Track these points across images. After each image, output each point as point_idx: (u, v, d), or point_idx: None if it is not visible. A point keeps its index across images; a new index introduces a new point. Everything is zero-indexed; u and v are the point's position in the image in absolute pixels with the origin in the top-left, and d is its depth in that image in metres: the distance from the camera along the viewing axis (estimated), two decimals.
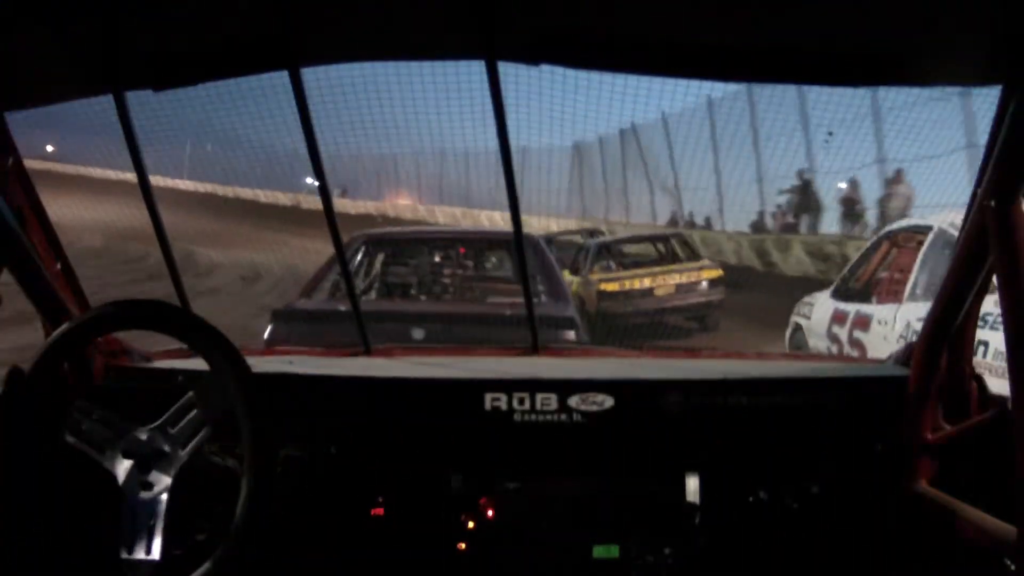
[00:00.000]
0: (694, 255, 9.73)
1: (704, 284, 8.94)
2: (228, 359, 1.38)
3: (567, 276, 9.14)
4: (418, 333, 3.51)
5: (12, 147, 1.45)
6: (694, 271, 9.06)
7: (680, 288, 8.86)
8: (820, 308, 5.68)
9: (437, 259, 4.92)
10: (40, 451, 1.36)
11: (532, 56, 1.35)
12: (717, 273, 9.12)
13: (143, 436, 1.37)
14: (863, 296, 5.19)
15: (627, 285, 8.83)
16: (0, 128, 1.42)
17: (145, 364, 1.71)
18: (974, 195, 1.31)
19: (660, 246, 10.19)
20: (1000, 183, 1.20)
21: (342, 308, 3.73)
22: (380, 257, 4.85)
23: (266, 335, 3.61)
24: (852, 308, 5.13)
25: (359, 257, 4.54)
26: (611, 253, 9.95)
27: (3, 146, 1.44)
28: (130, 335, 1.63)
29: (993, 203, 1.20)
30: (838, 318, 5.26)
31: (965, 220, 1.39)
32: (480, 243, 5.22)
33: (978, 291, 1.42)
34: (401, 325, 3.57)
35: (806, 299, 6.10)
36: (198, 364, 1.48)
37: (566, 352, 2.03)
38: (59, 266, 1.57)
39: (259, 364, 1.52)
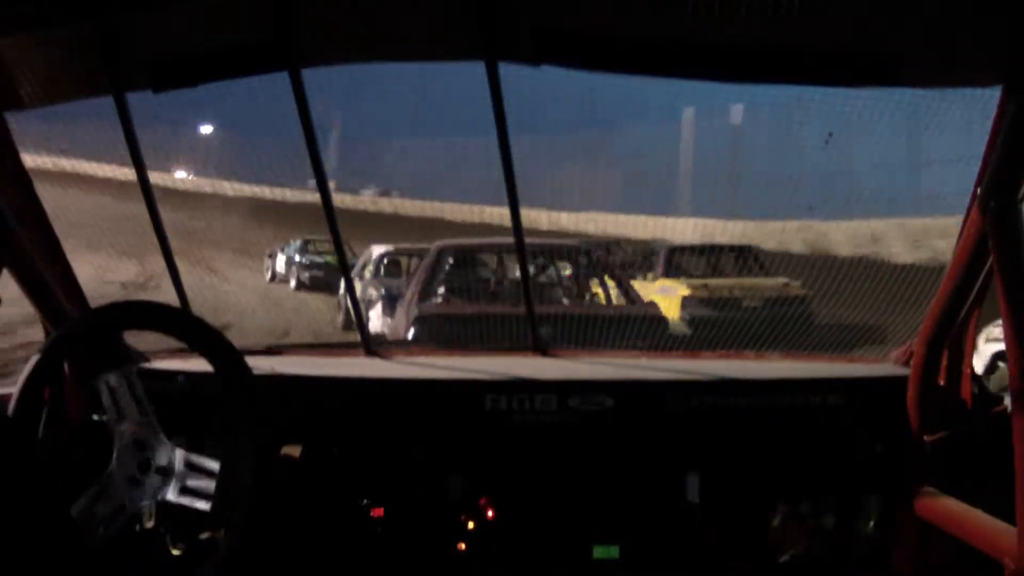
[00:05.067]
0: (770, 271, 8.81)
1: (790, 302, 7.74)
2: (229, 360, 1.38)
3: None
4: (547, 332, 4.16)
5: (12, 147, 1.45)
6: (780, 286, 8.16)
7: (768, 303, 7.91)
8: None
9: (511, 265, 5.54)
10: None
11: (532, 56, 1.35)
12: (802, 292, 7.95)
13: (162, 443, 1.37)
14: None
15: (716, 293, 8.07)
16: (0, 128, 1.42)
17: (145, 365, 1.71)
18: (974, 195, 1.31)
19: (737, 257, 9.21)
20: (1000, 183, 1.20)
21: (469, 311, 4.57)
22: (457, 263, 5.46)
23: (410, 335, 4.27)
24: None
25: (438, 263, 5.17)
26: (682, 259, 9.15)
27: (3, 146, 1.44)
28: (130, 335, 1.63)
29: (993, 203, 1.20)
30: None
31: (965, 220, 1.39)
32: (547, 252, 5.66)
33: (978, 291, 1.42)
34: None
35: None
36: (198, 364, 1.48)
37: (566, 353, 2.03)
38: (59, 266, 1.57)
39: (260, 365, 1.52)
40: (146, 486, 1.35)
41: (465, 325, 4.30)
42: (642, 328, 4.38)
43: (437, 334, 4.15)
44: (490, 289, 5.33)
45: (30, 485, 1.31)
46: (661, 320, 4.73)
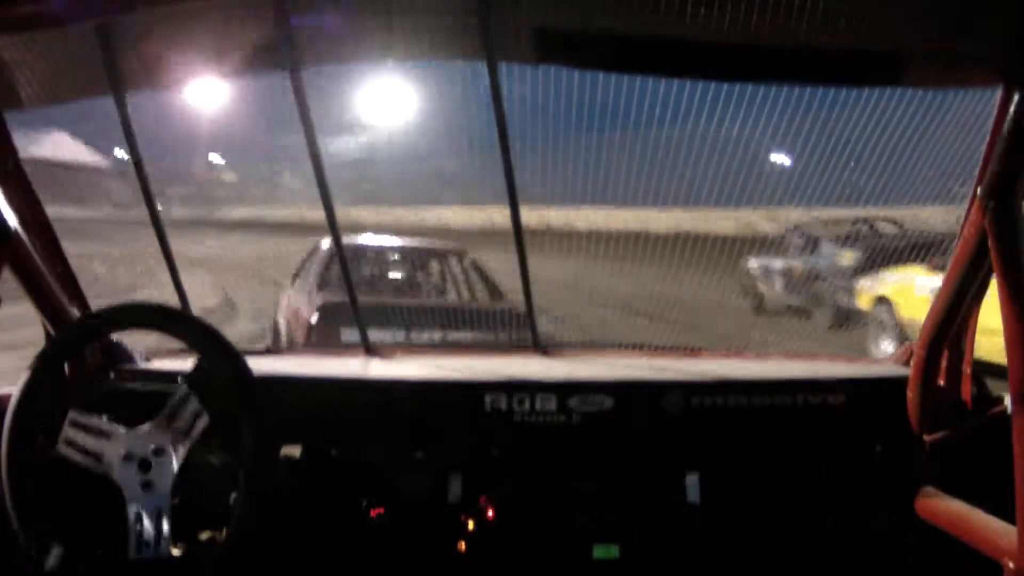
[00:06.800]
0: None
1: None
2: (229, 360, 1.38)
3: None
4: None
5: (12, 147, 1.45)
6: None
7: None
8: None
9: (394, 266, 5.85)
10: (35, 465, 1.34)
11: (532, 56, 1.35)
12: None
13: (143, 434, 1.36)
14: None
15: None
16: (0, 128, 1.42)
17: (145, 365, 1.71)
18: (974, 195, 1.32)
19: None
20: (1000, 183, 1.21)
21: (371, 301, 4.62)
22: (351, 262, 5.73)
23: (314, 321, 4.41)
24: None
25: (330, 259, 5.21)
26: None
27: (3, 146, 1.44)
28: (130, 336, 1.63)
29: (993, 203, 1.20)
30: None
31: (965, 220, 1.39)
32: (424, 255, 5.95)
33: (978, 291, 1.42)
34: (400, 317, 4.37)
35: None
36: None
37: (567, 353, 2.03)
38: (59, 266, 1.57)
39: (260, 365, 1.52)
40: (158, 476, 1.35)
41: (367, 313, 4.56)
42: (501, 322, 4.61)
43: (342, 319, 4.27)
44: (377, 282, 5.55)
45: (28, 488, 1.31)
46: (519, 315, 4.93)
